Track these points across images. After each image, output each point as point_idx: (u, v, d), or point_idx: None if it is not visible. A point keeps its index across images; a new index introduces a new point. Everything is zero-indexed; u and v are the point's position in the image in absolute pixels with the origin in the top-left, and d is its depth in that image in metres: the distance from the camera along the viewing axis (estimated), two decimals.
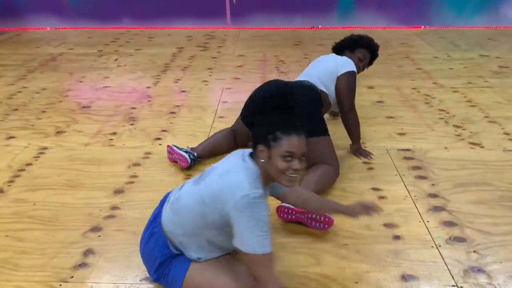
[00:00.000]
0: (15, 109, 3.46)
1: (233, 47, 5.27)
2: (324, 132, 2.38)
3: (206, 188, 1.49)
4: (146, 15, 6.12)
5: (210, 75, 4.23)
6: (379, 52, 2.83)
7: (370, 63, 2.77)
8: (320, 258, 1.87)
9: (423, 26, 6.03)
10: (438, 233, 2.03)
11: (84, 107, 3.51)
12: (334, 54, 2.74)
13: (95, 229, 2.08)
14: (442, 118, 3.24)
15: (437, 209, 2.20)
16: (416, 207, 2.22)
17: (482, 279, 1.76)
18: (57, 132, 3.07)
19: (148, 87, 3.91)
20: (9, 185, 2.43)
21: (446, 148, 2.80)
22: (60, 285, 1.74)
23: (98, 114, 3.37)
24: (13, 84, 4.01)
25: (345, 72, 2.55)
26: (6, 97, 3.70)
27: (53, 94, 3.77)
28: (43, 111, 3.43)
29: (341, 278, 1.75)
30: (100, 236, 2.03)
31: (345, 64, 2.58)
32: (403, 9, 5.95)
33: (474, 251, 1.91)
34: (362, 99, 3.56)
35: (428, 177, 2.48)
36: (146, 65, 4.56)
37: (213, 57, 4.85)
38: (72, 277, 1.79)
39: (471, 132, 3.01)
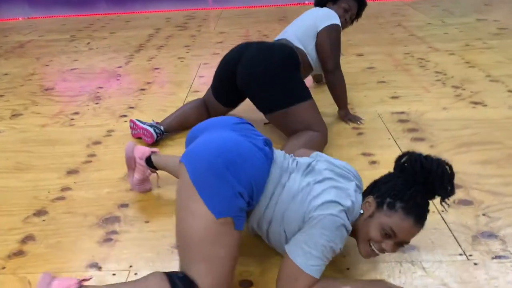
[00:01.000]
0: None
1: (214, 25, 4.96)
2: (305, 97, 2.06)
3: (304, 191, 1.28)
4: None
5: (187, 52, 3.92)
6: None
7: (358, 14, 2.45)
8: None
9: None
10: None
11: (47, 89, 3.19)
12: (316, 7, 2.43)
13: (40, 213, 1.78)
14: (439, 80, 2.94)
15: None
16: None
17: (495, 245, 1.46)
18: (13, 115, 2.76)
19: (119, 67, 3.60)
20: None
21: (445, 108, 2.50)
22: None
23: (61, 95, 3.06)
24: None
25: (326, 27, 2.23)
26: None
27: (15, 79, 3.46)
28: (1, 96, 3.12)
29: None
30: (44, 220, 1.73)
31: (326, 17, 2.26)
32: None
33: (484, 214, 1.61)
34: (351, 66, 3.25)
35: (426, 138, 2.19)
36: (120, 46, 4.25)
37: (192, 35, 4.53)
38: (4, 268, 1.49)
39: (472, 92, 2.71)
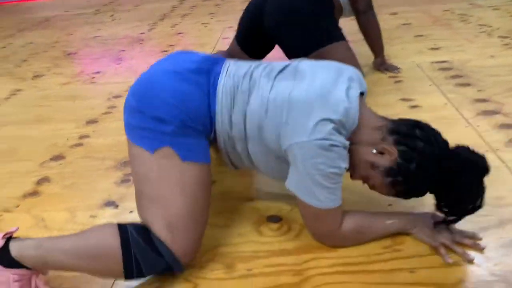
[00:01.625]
0: None
1: None
2: (341, 36, 1.90)
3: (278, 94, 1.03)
4: None
5: (212, 19, 3.79)
6: None
7: None
8: None
9: None
10: (493, 136, 1.53)
11: (69, 54, 3.14)
12: None
13: (57, 157, 1.69)
14: (483, 32, 2.69)
15: (488, 113, 1.70)
16: (460, 113, 1.72)
17: None
18: (35, 76, 2.70)
19: (142, 33, 3.51)
20: None
21: (492, 56, 2.27)
22: (1, 215, 1.36)
23: (83, 57, 2.99)
24: None
25: None
26: None
27: (38, 46, 3.42)
28: (24, 60, 3.07)
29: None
30: (61, 164, 1.64)
31: None
32: None
33: None
34: (384, 24, 3.02)
35: (472, 84, 1.97)
36: (143, 16, 4.16)
37: (217, 4, 4.40)
38: (18, 206, 1.40)
39: None
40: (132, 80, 2.45)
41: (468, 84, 1.97)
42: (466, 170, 0.96)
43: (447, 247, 1.04)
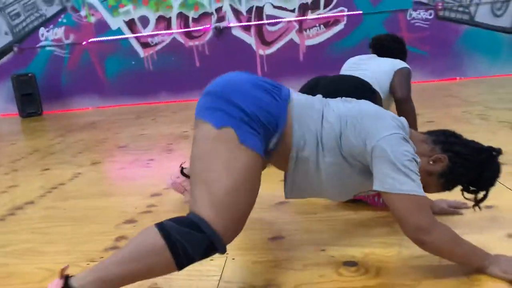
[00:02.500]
0: (52, 153, 3.41)
1: None
2: None
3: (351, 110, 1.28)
4: (181, 89, 6.35)
5: None
6: None
7: None
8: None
9: (458, 78, 5.95)
10: None
11: (121, 147, 3.43)
12: (383, 58, 2.61)
13: (129, 221, 1.82)
14: (505, 126, 2.94)
15: None
16: (502, 184, 1.86)
17: None
18: (93, 163, 2.95)
19: (185, 131, 3.85)
20: (40, 198, 2.26)
21: None
22: (88, 264, 1.46)
23: (135, 150, 3.26)
24: (52, 139, 4.04)
25: (405, 67, 2.42)
26: (43, 147, 3.69)
27: (90, 142, 3.74)
28: (80, 152, 3.36)
29: None
30: (134, 226, 1.77)
31: (400, 62, 2.46)
32: (434, 62, 5.94)
33: None
34: None
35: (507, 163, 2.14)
36: (184, 119, 4.57)
37: None
38: (102, 257, 1.50)
39: None
40: (186, 165, 2.66)
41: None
42: (491, 157, 1.28)
43: None
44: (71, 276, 1.03)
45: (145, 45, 6.28)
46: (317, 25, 6.00)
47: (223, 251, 1.08)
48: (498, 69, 5.92)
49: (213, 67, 6.24)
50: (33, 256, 1.58)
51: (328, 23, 5.98)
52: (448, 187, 1.32)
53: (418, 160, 1.18)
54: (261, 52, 6.17)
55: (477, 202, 1.32)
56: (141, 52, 6.31)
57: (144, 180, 2.42)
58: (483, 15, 5.80)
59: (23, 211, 2.09)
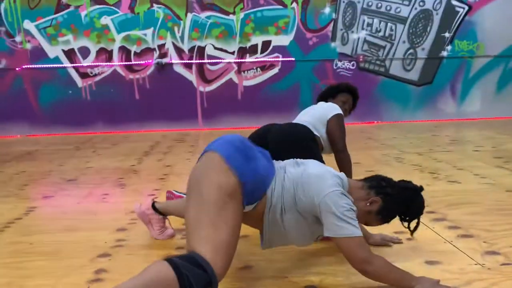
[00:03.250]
0: None
1: (210, 140, 5.55)
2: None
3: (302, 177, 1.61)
4: (119, 120, 6.39)
5: (192, 155, 4.38)
6: None
7: (353, 105, 3.07)
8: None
9: (375, 122, 6.73)
10: (446, 234, 2.11)
11: (70, 180, 3.46)
12: (320, 102, 3.04)
13: (104, 255, 1.97)
14: (416, 169, 3.51)
15: (438, 220, 2.31)
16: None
17: (500, 258, 1.82)
18: (45, 197, 2.98)
19: (133, 165, 3.97)
20: (0, 233, 2.28)
21: (428, 185, 3.00)
22: None
23: (86, 183, 3.33)
24: None
25: (334, 115, 2.81)
26: None
27: (33, 174, 3.71)
28: (25, 184, 3.34)
29: None
30: (110, 259, 1.92)
31: (332, 108, 2.85)
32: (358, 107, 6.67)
33: (484, 242, 2.00)
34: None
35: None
36: (126, 152, 4.66)
37: (192, 145, 5.06)
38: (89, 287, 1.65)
39: (446, 175, 3.27)
40: (141, 199, 2.81)
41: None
42: (415, 193, 1.68)
43: None
44: None
45: (84, 75, 6.28)
46: (255, 68, 6.48)
47: (216, 287, 1.35)
48: (408, 115, 6.82)
49: (153, 100, 6.42)
50: None
51: (264, 67, 6.49)
52: (385, 220, 1.69)
53: (355, 208, 1.54)
54: (201, 88, 6.48)
55: (412, 230, 1.70)
56: (79, 82, 6.29)
57: (106, 215, 2.54)
58: (395, 68, 6.71)
59: None
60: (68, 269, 1.83)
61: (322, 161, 2.50)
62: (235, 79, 6.50)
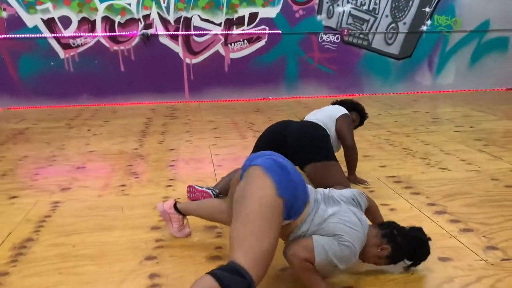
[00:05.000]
0: (3, 175, 3.36)
1: (200, 115, 5.62)
2: (335, 159, 2.76)
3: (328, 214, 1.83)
4: (104, 93, 6.30)
5: (191, 136, 4.48)
6: None
7: (361, 122, 3.32)
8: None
9: (357, 94, 6.97)
10: (450, 228, 2.41)
11: (79, 167, 3.51)
12: (330, 105, 3.23)
13: (150, 258, 2.13)
14: (408, 154, 3.80)
15: (440, 213, 2.60)
16: (423, 213, 2.60)
17: (499, 253, 2.13)
18: (62, 189, 3.04)
19: (136, 149, 4.03)
20: (37, 234, 2.38)
21: (423, 172, 3.30)
22: None
23: (97, 172, 3.40)
24: None
25: (343, 114, 3.03)
26: None
27: (38, 160, 3.72)
28: (36, 174, 3.37)
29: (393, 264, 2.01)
30: (157, 263, 2.09)
31: (341, 109, 3.08)
32: (339, 80, 6.88)
33: (483, 236, 2.31)
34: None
35: (421, 192, 2.92)
36: (123, 132, 4.68)
37: (186, 123, 5.13)
38: None
39: (436, 161, 3.58)
40: (162, 191, 2.95)
41: (418, 193, 2.91)
42: (423, 243, 1.90)
43: None
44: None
45: (66, 46, 6.07)
46: (241, 40, 6.47)
47: None
48: (387, 88, 7.10)
49: (139, 72, 6.34)
50: None
51: (251, 39, 6.49)
52: (392, 262, 1.91)
53: (342, 264, 1.77)
54: (188, 60, 6.43)
55: (414, 265, 1.95)
56: (61, 53, 6.08)
57: (134, 211, 2.65)
58: (378, 42, 6.88)
59: (29, 249, 2.21)
60: (122, 274, 1.98)
61: (334, 157, 2.71)
62: (222, 51, 6.48)
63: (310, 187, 1.93)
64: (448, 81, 7.27)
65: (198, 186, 2.78)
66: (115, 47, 6.19)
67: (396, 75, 7.08)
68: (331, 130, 2.99)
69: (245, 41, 6.49)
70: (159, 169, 3.45)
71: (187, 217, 2.31)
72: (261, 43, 6.53)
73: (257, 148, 2.91)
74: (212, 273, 1.50)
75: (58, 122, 5.25)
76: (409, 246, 1.87)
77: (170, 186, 3.08)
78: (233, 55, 6.51)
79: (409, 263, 1.92)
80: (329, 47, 6.72)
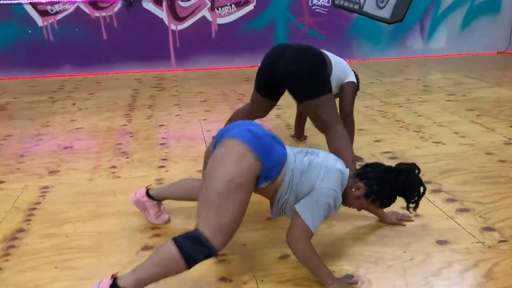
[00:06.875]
0: None
1: (188, 86, 5.47)
2: (331, 90, 2.47)
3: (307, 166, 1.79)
4: (87, 62, 6.06)
5: (181, 110, 4.36)
6: None
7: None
8: (364, 237, 2.12)
9: (347, 60, 6.85)
10: (446, 208, 2.41)
11: (66, 147, 3.40)
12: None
13: (146, 247, 2.09)
14: (402, 127, 3.77)
15: (436, 191, 2.60)
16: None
17: (496, 234, 2.15)
18: (51, 172, 2.95)
19: (124, 125, 3.92)
20: (27, 224, 2.31)
21: (417, 147, 3.29)
22: None
23: (86, 152, 3.30)
24: None
25: (351, 81, 2.94)
26: None
27: (23, 139, 3.59)
28: (22, 155, 3.26)
29: (392, 249, 2.02)
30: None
31: (352, 73, 3.01)
32: (329, 45, 6.71)
33: (480, 216, 2.32)
34: None
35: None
36: (109, 106, 4.54)
37: (174, 95, 4.99)
38: None
39: (430, 135, 3.56)
40: (154, 173, 2.88)
41: None
42: (408, 173, 1.75)
43: None
44: (117, 278, 1.54)
45: (43, 13, 5.76)
46: (229, 4, 6.21)
47: (216, 256, 1.61)
48: (377, 53, 6.97)
49: (123, 40, 6.09)
50: None
51: (239, 3, 6.23)
52: (379, 204, 1.82)
53: (332, 212, 1.76)
54: (173, 27, 6.18)
55: (413, 207, 1.80)
56: (39, 21, 5.78)
57: (126, 196, 2.59)
58: (369, 6, 6.69)
59: (21, 241, 2.15)
60: (119, 267, 1.94)
61: (329, 86, 2.48)
62: (209, 17, 6.23)
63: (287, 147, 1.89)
64: (440, 45, 7.17)
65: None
66: (96, 14, 5.90)
67: (387, 40, 6.94)
68: (339, 80, 2.90)
69: (233, 5, 6.23)
70: (150, 148, 3.36)
71: (163, 202, 2.29)
72: (250, 7, 6.29)
73: (258, 87, 2.70)
74: (175, 240, 1.55)
75: (41, 95, 5.05)
76: (382, 179, 1.77)
77: (163, 167, 3.01)
78: (220, 21, 6.28)
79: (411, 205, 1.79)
80: (319, 11, 6.51)
